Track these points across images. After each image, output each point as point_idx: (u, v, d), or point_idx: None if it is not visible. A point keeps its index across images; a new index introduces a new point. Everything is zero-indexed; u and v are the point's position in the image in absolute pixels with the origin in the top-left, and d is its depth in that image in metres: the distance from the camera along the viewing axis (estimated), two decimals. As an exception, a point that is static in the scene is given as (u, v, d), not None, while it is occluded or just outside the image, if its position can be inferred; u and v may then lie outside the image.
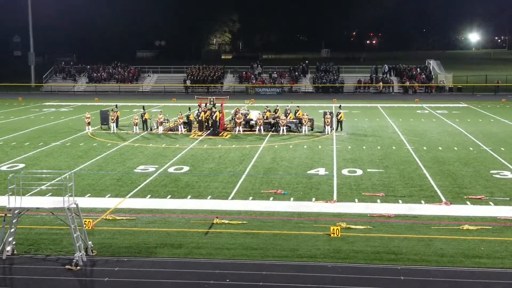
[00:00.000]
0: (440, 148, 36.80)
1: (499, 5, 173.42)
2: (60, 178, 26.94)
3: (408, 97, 73.89)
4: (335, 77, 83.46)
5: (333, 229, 20.36)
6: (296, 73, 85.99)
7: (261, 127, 43.20)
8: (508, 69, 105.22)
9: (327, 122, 42.79)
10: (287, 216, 22.79)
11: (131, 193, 26.16)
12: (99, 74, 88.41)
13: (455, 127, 45.94)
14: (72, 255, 18.10)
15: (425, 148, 36.80)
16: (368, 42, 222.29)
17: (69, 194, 18.01)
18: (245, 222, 21.93)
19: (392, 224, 21.70)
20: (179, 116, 44.00)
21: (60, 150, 36.69)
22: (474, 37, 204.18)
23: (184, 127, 43.61)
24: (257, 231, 20.89)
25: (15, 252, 18.75)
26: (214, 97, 47.78)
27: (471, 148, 36.63)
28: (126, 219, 22.35)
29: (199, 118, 44.01)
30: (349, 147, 37.33)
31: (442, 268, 17.54)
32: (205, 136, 41.81)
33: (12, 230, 18.34)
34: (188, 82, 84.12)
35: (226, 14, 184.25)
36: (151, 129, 44.31)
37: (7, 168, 31.48)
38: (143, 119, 44.55)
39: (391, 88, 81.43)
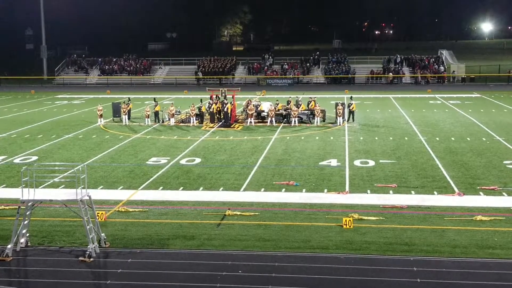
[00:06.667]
0: (452, 138, 36.62)
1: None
2: (73, 170, 27.02)
3: (420, 88, 73.47)
4: (347, 68, 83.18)
5: (346, 220, 20.33)
6: (308, 64, 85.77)
7: (273, 119, 43.15)
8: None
9: (339, 113, 42.68)
10: (299, 207, 22.78)
11: (144, 185, 26.24)
12: (111, 66, 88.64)
13: (468, 118, 45.67)
14: (85, 247, 18.19)
15: (437, 138, 36.63)
16: (380, 32, 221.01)
17: (82, 186, 18.09)
18: (257, 213, 21.94)
19: (404, 215, 21.63)
20: (191, 108, 44.05)
21: (73, 143, 36.86)
22: (487, 26, 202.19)
23: (196, 119, 43.65)
24: (269, 223, 20.90)
25: (29, 244, 18.88)
26: (226, 89, 47.77)
27: (484, 139, 36.41)
28: (138, 211, 22.43)
29: (211, 110, 44.04)
30: (361, 138, 37.23)
31: (455, 259, 17.48)
32: (217, 127, 41.84)
33: (26, 222, 18.45)
34: (199, 74, 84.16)
35: (237, 5, 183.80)
36: (162, 121, 44.38)
37: (20, 160, 31.67)
38: (154, 111, 44.63)
39: (402, 79, 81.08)
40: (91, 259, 17.64)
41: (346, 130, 40.20)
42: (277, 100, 46.81)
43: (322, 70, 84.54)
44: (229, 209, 22.23)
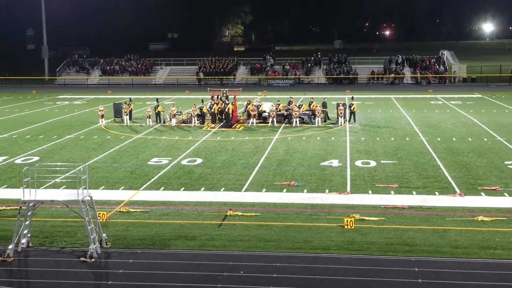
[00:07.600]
0: (454, 139, 36.59)
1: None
2: (74, 170, 27.06)
3: (421, 88, 73.45)
4: (348, 69, 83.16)
5: (347, 220, 20.31)
6: (309, 64, 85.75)
7: (274, 119, 43.14)
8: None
9: (340, 113, 42.68)
10: (300, 208, 22.76)
11: (145, 186, 26.23)
12: (112, 67, 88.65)
13: (469, 118, 45.63)
14: (86, 247, 18.19)
15: (439, 139, 36.61)
16: (381, 33, 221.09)
17: (83, 186, 18.07)
18: (258, 214, 21.93)
19: (406, 215, 21.61)
20: (193, 108, 44.06)
21: (74, 143, 36.86)
22: (488, 27, 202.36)
23: (197, 119, 43.65)
24: (270, 223, 20.88)
25: (30, 244, 18.87)
26: (227, 89, 47.75)
27: (485, 139, 36.38)
28: (140, 212, 22.43)
29: (212, 110, 44.05)
30: (363, 138, 37.21)
31: (457, 259, 17.46)
32: (218, 128, 41.83)
33: (27, 222, 18.45)
34: (200, 75, 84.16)
35: (238, 5, 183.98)
36: (164, 122, 44.38)
37: (21, 161, 31.67)
38: (156, 111, 44.63)
39: (403, 79, 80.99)
40: (93, 259, 17.63)
41: (348, 130, 40.18)
42: (278, 101, 46.80)
43: (323, 71, 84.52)
44: (230, 209, 22.23)
